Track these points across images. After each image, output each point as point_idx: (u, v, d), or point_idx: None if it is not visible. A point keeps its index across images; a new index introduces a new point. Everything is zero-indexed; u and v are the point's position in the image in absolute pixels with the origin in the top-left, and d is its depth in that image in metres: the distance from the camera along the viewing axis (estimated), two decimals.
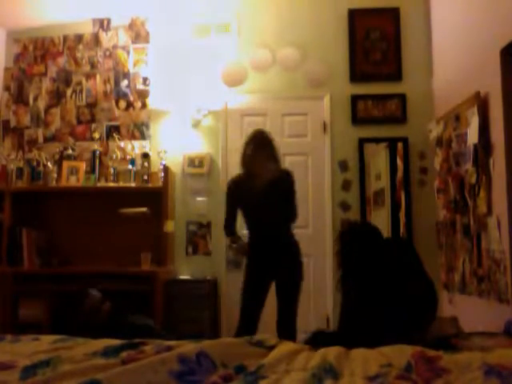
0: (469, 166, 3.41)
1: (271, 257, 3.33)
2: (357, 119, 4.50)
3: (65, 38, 4.82)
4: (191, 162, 4.58)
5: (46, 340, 1.95)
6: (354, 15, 4.58)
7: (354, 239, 2.84)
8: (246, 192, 3.40)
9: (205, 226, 4.53)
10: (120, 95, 4.70)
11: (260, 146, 3.40)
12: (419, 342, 1.87)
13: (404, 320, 2.59)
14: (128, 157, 4.51)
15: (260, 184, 3.37)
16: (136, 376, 1.45)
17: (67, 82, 4.78)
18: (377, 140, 4.51)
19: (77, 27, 4.81)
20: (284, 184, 3.41)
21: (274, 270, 3.35)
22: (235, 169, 4.50)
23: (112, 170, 4.47)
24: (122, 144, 4.59)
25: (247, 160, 3.43)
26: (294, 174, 3.46)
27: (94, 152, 4.55)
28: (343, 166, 4.49)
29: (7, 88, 4.85)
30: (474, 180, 3.35)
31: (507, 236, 3.01)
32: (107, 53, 4.76)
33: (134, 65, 4.72)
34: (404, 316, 2.59)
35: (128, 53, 4.73)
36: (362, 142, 4.47)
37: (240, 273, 4.38)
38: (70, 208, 4.52)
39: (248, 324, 3.30)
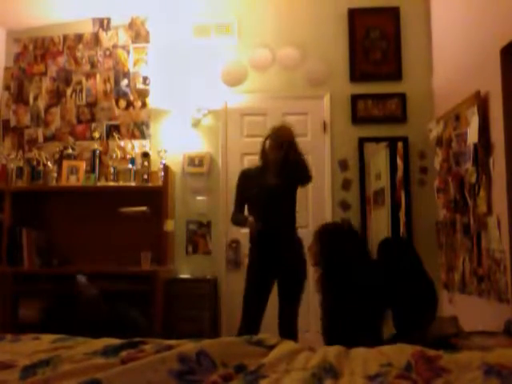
0: (469, 166, 3.41)
1: (274, 255, 3.33)
2: (357, 119, 4.50)
3: (65, 38, 4.82)
4: (191, 161, 4.58)
5: (46, 339, 1.95)
6: (353, 14, 4.58)
7: (332, 239, 2.86)
8: (256, 186, 3.39)
9: (205, 225, 4.54)
10: (120, 94, 4.70)
11: (278, 142, 3.34)
12: (419, 342, 1.87)
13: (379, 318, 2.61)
14: (128, 156, 4.51)
15: (271, 180, 3.36)
16: (136, 375, 1.45)
17: (67, 82, 4.78)
18: (377, 139, 4.51)
19: (77, 27, 4.81)
20: (298, 180, 3.40)
21: (277, 269, 3.34)
22: (235, 168, 4.52)
23: (112, 170, 4.47)
24: (122, 143, 4.59)
25: (265, 154, 3.41)
26: (312, 172, 3.45)
27: (94, 151, 4.55)
28: (343, 165, 4.49)
29: (7, 87, 4.84)
30: (473, 179, 3.35)
31: (507, 235, 3.01)
32: (107, 52, 4.75)
33: (134, 64, 4.71)
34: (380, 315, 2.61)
35: (128, 52, 4.73)
36: (362, 141, 4.47)
37: (240, 272, 4.38)
38: (70, 207, 4.51)
39: (250, 324, 3.28)
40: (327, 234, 2.95)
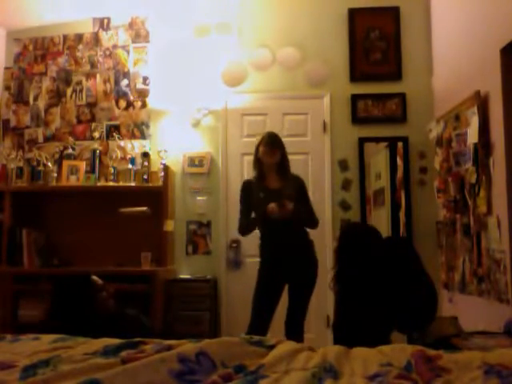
0: (469, 166, 3.41)
1: (285, 258, 3.33)
2: (357, 119, 4.50)
3: (65, 38, 4.82)
4: (191, 161, 4.58)
5: (46, 340, 1.95)
6: (353, 14, 4.58)
7: (351, 240, 2.87)
8: (259, 193, 3.40)
9: (205, 225, 4.54)
10: (120, 94, 4.70)
11: (271, 147, 3.40)
12: (419, 342, 1.87)
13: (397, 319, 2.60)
14: (128, 156, 4.51)
15: (273, 184, 3.42)
16: (136, 375, 1.45)
17: (67, 82, 4.78)
18: (377, 139, 4.51)
19: (77, 27, 4.81)
20: (295, 185, 3.46)
21: (289, 271, 3.34)
22: (235, 168, 4.53)
23: (112, 170, 4.46)
24: (122, 143, 4.59)
25: (259, 161, 3.45)
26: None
27: (94, 151, 4.55)
28: (343, 165, 4.49)
29: (7, 88, 4.84)
30: (474, 180, 3.35)
31: (507, 236, 3.01)
32: (107, 52, 4.75)
33: (134, 64, 4.71)
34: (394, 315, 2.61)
35: (128, 52, 4.73)
36: (361, 141, 4.47)
37: (240, 272, 4.39)
38: (70, 207, 4.51)
39: (259, 326, 3.25)
40: (347, 234, 2.97)
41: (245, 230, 3.49)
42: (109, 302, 2.96)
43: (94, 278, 3.01)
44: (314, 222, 3.52)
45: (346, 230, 3.09)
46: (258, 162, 3.47)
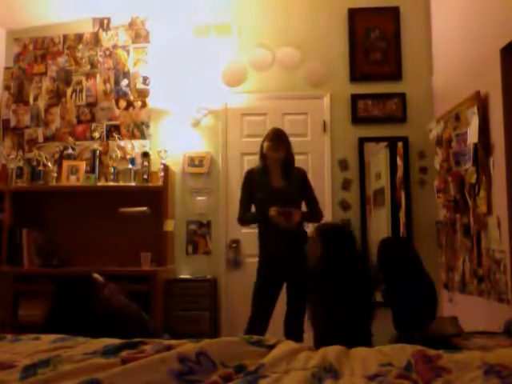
0: (469, 166, 3.41)
1: (284, 257, 3.33)
2: (357, 118, 4.50)
3: (65, 38, 4.82)
4: (191, 161, 4.58)
5: (46, 339, 1.95)
6: (353, 14, 4.58)
7: (321, 240, 2.87)
8: (261, 191, 3.41)
9: (205, 225, 4.53)
10: (120, 94, 4.70)
11: (276, 142, 3.43)
12: (419, 342, 1.87)
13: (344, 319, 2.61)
14: (128, 156, 4.51)
15: (276, 182, 3.44)
16: (136, 375, 1.45)
17: (67, 82, 4.78)
18: (377, 139, 4.51)
19: (77, 27, 4.81)
20: (298, 179, 3.47)
21: (288, 271, 3.34)
22: (235, 168, 4.52)
23: (112, 170, 4.46)
24: (122, 143, 4.59)
25: (264, 156, 3.47)
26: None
27: (94, 151, 4.55)
28: (343, 165, 4.49)
29: (7, 87, 4.84)
30: (473, 180, 3.35)
31: (507, 236, 3.01)
32: (107, 52, 4.75)
33: (134, 64, 4.71)
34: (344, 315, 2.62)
35: (128, 52, 4.73)
36: (361, 141, 4.47)
37: (240, 272, 4.39)
38: (70, 208, 4.51)
39: (258, 324, 3.25)
40: (317, 235, 2.97)
41: (244, 222, 3.59)
42: (110, 299, 2.96)
43: (96, 275, 3.01)
44: (317, 218, 3.53)
45: (318, 231, 3.07)
46: (263, 158, 3.48)
